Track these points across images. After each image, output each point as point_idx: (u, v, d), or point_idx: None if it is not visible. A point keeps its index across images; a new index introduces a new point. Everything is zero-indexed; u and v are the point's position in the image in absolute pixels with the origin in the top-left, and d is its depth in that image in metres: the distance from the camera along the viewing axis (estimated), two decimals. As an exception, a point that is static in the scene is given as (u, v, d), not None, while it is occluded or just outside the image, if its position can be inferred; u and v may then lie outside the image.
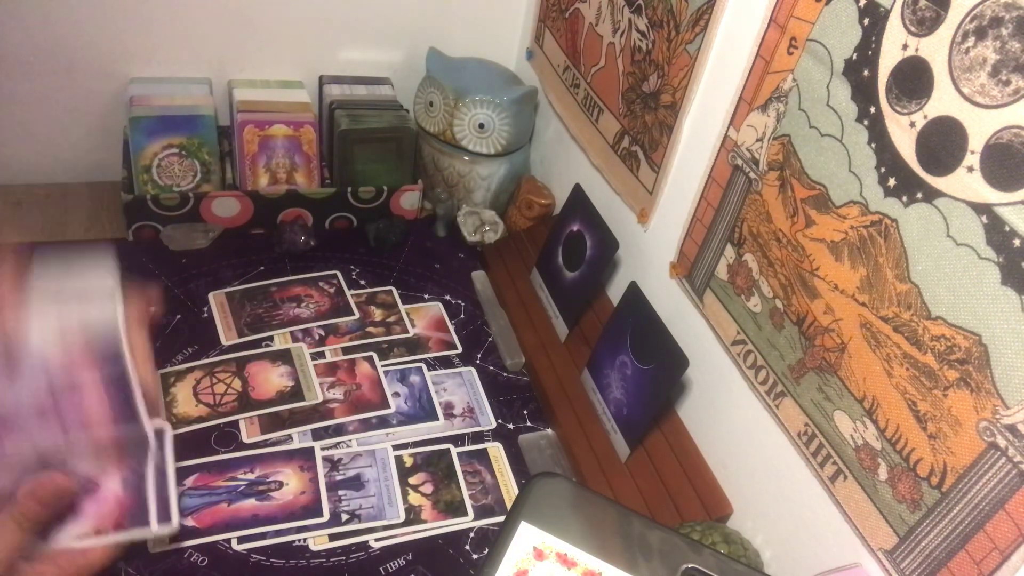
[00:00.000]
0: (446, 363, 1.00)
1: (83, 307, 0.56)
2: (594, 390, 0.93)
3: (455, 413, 0.94)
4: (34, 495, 0.54)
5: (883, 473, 0.63)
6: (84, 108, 1.11)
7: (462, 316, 1.07)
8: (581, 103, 1.09)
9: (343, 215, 1.15)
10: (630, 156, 0.97)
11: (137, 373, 0.57)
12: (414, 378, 0.96)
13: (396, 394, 0.94)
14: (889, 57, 0.59)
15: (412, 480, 0.85)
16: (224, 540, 0.76)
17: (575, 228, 1.02)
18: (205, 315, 0.98)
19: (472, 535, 0.81)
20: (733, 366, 0.81)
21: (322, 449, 0.85)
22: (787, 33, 0.69)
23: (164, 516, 0.62)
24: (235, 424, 0.86)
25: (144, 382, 0.58)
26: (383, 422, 0.90)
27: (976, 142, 0.53)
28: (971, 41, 0.52)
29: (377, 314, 1.04)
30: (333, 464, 0.85)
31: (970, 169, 0.53)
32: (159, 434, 0.65)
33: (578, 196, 1.03)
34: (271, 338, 0.97)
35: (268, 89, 1.14)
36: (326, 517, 0.79)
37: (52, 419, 0.55)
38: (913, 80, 0.57)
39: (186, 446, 0.83)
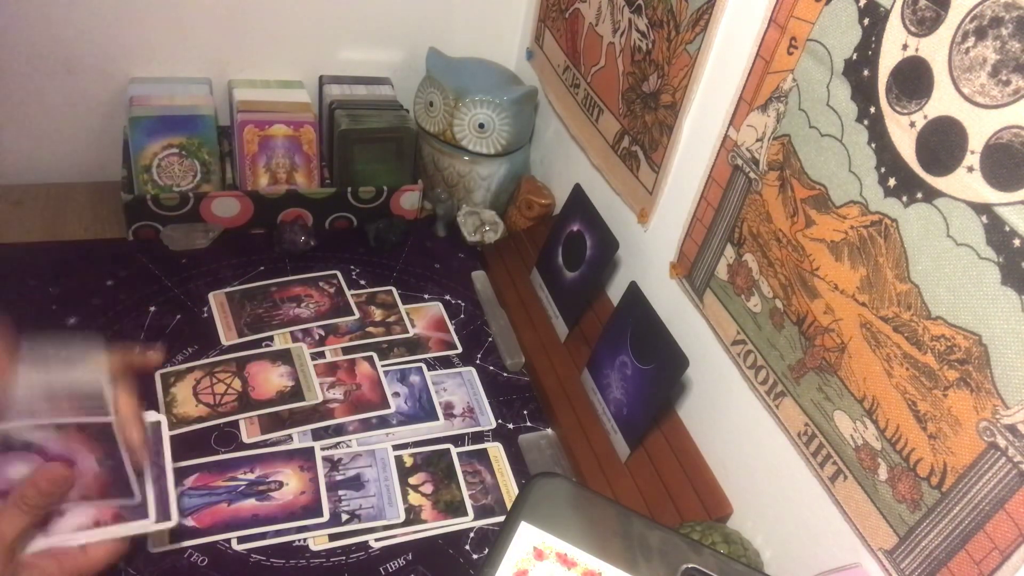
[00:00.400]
0: (446, 363, 1.00)
1: (70, 372, 0.58)
2: (594, 390, 0.93)
3: (455, 413, 0.94)
4: (34, 483, 0.55)
5: (883, 473, 0.63)
6: (84, 108, 1.11)
7: (462, 316, 1.07)
8: (581, 103, 1.09)
9: (343, 215, 1.15)
10: (630, 156, 0.97)
11: (121, 429, 0.58)
12: (414, 378, 0.96)
13: (396, 394, 0.94)
14: (889, 57, 0.59)
15: (412, 480, 0.85)
16: (224, 540, 0.76)
17: (575, 228, 1.02)
18: (205, 315, 0.98)
19: (472, 535, 0.81)
20: (733, 366, 0.81)
21: (322, 449, 0.85)
22: (787, 33, 0.69)
23: (163, 513, 0.62)
24: (235, 424, 0.86)
25: (129, 439, 0.59)
26: (383, 422, 0.90)
27: (976, 142, 0.53)
28: (971, 41, 0.52)
29: (377, 314, 1.04)
30: (333, 464, 0.85)
31: (970, 169, 0.53)
32: (155, 427, 0.65)
33: (578, 196, 1.03)
34: (271, 338, 0.97)
35: (268, 89, 1.14)
36: (326, 517, 0.79)
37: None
38: (913, 80, 0.57)
39: (186, 446, 0.83)
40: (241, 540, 0.76)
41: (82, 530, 0.58)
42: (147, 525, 0.61)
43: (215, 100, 1.09)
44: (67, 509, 0.57)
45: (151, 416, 0.65)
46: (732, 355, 0.81)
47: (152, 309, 0.97)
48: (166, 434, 0.65)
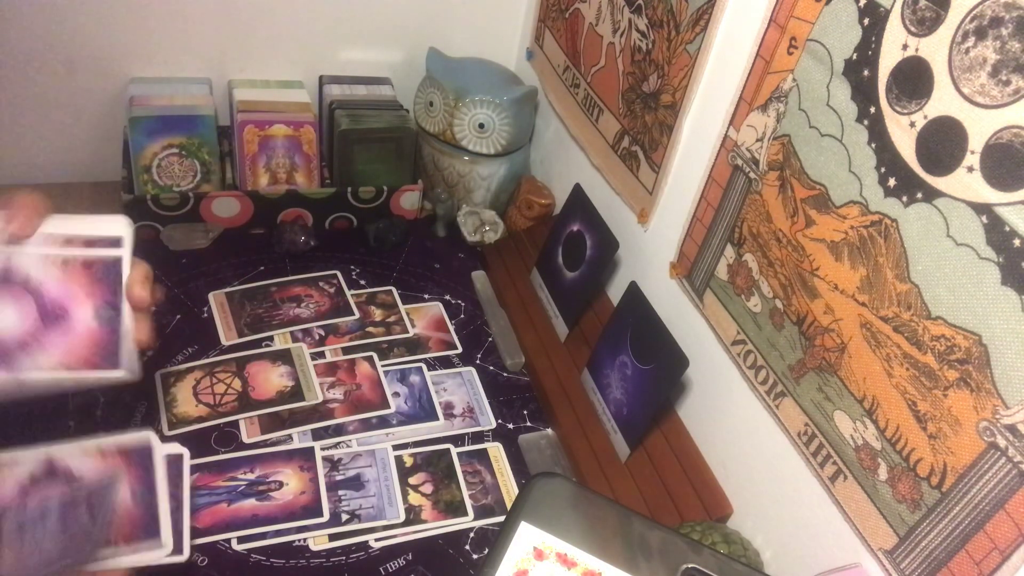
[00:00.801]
0: (446, 363, 1.00)
1: (91, 246, 0.55)
2: (594, 390, 0.93)
3: (455, 413, 0.94)
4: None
5: (883, 473, 0.63)
6: (84, 108, 1.11)
7: (462, 316, 1.07)
8: (581, 103, 1.09)
9: (343, 215, 1.15)
10: (630, 156, 0.97)
11: (132, 319, 0.56)
12: (414, 378, 0.96)
13: (396, 394, 0.94)
14: (889, 57, 0.59)
15: (412, 480, 0.85)
16: (224, 540, 0.76)
17: (575, 228, 1.02)
18: (205, 315, 0.98)
19: (472, 535, 0.81)
20: (733, 366, 0.81)
21: (322, 449, 0.85)
22: (787, 33, 0.69)
23: (177, 546, 0.62)
24: (235, 424, 0.86)
25: (139, 330, 0.56)
26: (383, 422, 0.90)
27: (976, 142, 0.53)
28: (971, 41, 0.52)
29: (377, 314, 1.04)
30: (333, 464, 0.85)
31: (970, 169, 0.53)
32: (177, 460, 0.65)
33: (578, 196, 1.03)
34: (271, 338, 0.97)
35: (268, 89, 1.14)
36: (326, 517, 0.79)
37: (34, 349, 0.53)
38: (913, 80, 0.57)
39: (186, 446, 0.82)
40: (241, 540, 0.76)
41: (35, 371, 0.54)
42: (159, 557, 0.60)
43: (215, 100, 1.09)
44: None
45: (175, 448, 0.64)
46: (732, 355, 0.81)
47: (152, 309, 0.97)
48: (187, 466, 0.65)
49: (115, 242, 0.56)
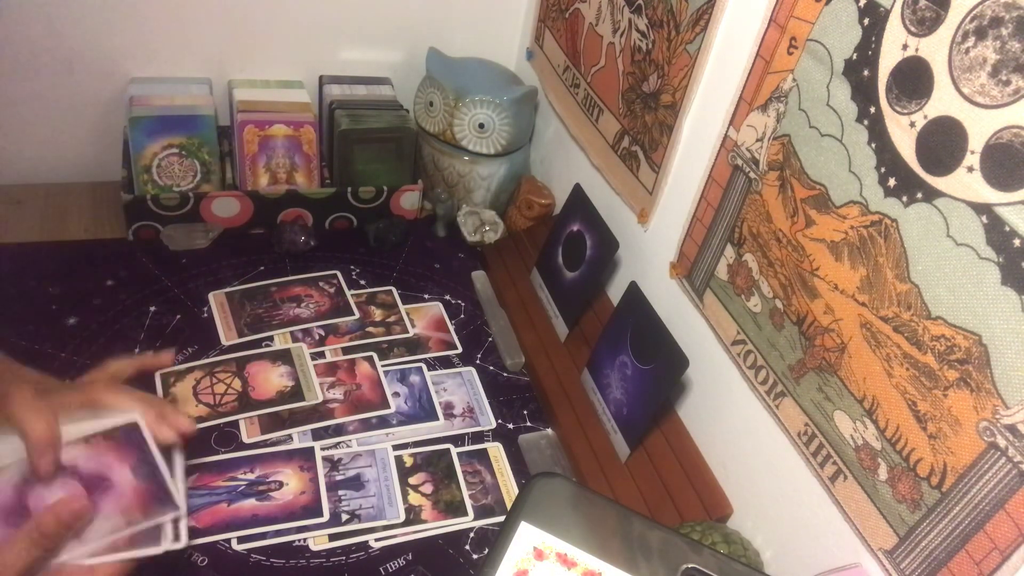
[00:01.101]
0: (446, 363, 1.00)
1: (102, 418, 0.58)
2: (594, 390, 0.93)
3: (455, 413, 0.94)
4: (54, 513, 0.54)
5: (883, 473, 0.63)
6: (84, 108, 1.11)
7: (462, 316, 1.07)
8: (581, 103, 1.09)
9: (343, 215, 1.15)
10: (630, 156, 0.97)
11: (150, 427, 0.59)
12: (414, 378, 0.96)
13: (396, 394, 0.94)
14: (889, 57, 0.59)
15: (412, 480, 0.85)
16: (224, 540, 0.76)
17: (575, 228, 1.02)
18: (205, 315, 0.98)
19: (472, 535, 0.81)
20: (733, 366, 0.81)
21: (322, 449, 0.85)
22: (787, 33, 0.69)
23: (175, 534, 0.63)
24: (235, 424, 0.86)
25: (160, 435, 0.60)
26: (383, 422, 0.90)
27: (976, 142, 0.53)
28: (971, 41, 0.52)
29: (377, 314, 1.04)
30: (333, 464, 0.85)
31: (970, 169, 0.53)
32: (170, 449, 0.65)
33: (578, 196, 1.03)
34: (271, 338, 0.97)
35: (268, 89, 1.14)
36: (326, 517, 0.79)
37: (95, 517, 0.57)
38: (913, 80, 0.57)
39: (186, 446, 0.83)
40: (241, 540, 0.76)
41: (96, 556, 0.58)
42: (158, 549, 0.61)
43: (215, 100, 1.09)
44: (85, 535, 0.57)
45: (170, 440, 0.65)
46: (732, 355, 0.81)
47: (152, 309, 0.97)
48: (181, 460, 0.65)
49: (129, 425, 0.59)
